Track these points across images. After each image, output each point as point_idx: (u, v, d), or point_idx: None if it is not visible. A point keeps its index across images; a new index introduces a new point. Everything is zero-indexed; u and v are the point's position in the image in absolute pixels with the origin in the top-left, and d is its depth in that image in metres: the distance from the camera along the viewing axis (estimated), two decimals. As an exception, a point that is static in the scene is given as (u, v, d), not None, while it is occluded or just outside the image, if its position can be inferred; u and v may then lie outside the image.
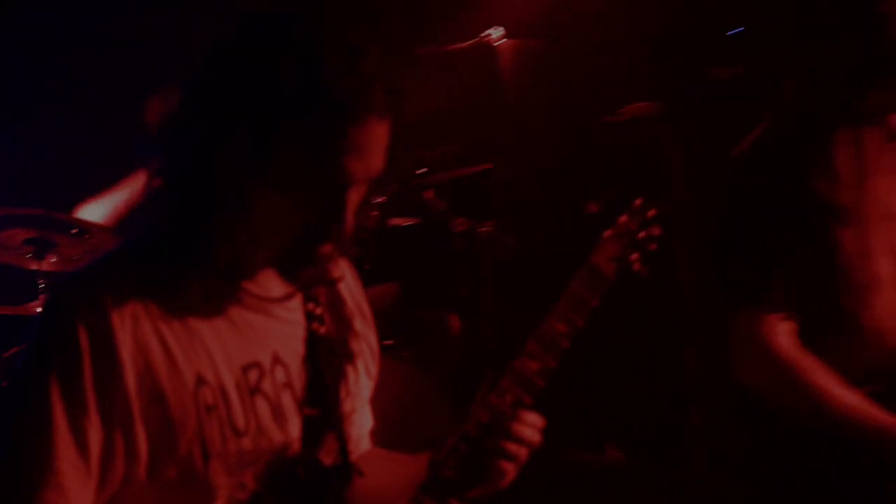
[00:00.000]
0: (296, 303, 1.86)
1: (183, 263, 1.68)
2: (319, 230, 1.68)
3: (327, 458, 1.84)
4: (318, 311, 1.89)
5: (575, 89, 5.55)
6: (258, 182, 1.62)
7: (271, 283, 1.81)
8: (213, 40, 1.70)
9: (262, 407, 1.74)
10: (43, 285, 4.14)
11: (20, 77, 4.86)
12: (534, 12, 5.35)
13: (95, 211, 4.58)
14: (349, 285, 2.01)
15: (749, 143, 2.76)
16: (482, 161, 4.97)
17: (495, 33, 4.93)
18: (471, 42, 4.85)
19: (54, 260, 4.14)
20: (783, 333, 2.59)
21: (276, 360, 1.78)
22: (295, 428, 1.79)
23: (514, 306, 5.02)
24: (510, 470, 1.90)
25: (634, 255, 2.14)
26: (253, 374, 1.73)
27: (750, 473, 2.78)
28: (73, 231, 4.13)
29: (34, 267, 4.14)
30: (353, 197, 1.67)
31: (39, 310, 4.01)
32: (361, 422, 1.99)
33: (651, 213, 2.18)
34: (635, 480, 4.67)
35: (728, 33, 5.18)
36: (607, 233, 2.13)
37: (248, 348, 1.74)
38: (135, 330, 1.61)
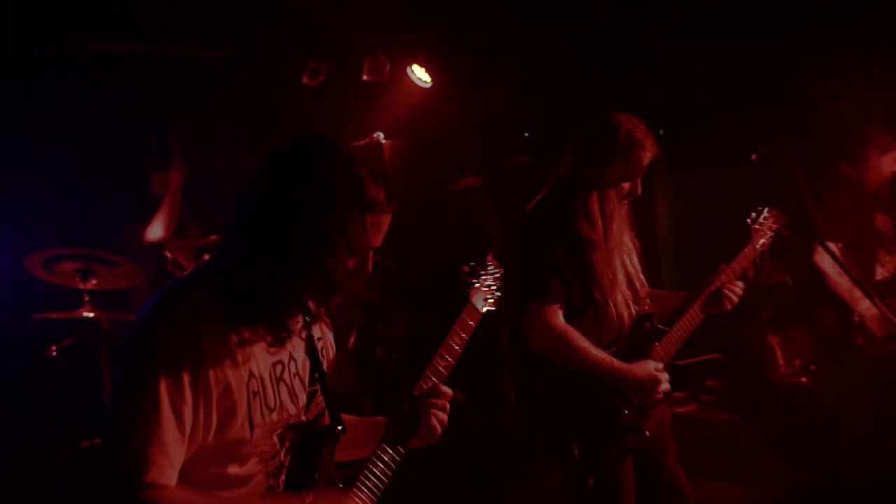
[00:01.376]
0: (299, 322, 1.91)
1: (252, 300, 1.76)
2: (353, 277, 1.83)
3: (321, 421, 1.96)
4: (311, 327, 1.95)
5: (426, 168, 5.93)
6: (327, 252, 1.74)
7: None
8: (288, 154, 1.81)
9: (283, 391, 1.84)
10: (87, 299, 4.35)
11: (69, 149, 4.92)
12: (402, 121, 5.86)
13: (157, 228, 4.71)
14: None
15: (537, 202, 2.98)
16: None
17: (379, 135, 5.46)
18: (365, 140, 5.31)
19: (95, 282, 4.38)
20: (558, 316, 2.82)
21: (291, 357, 1.88)
22: (302, 401, 1.90)
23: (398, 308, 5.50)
24: (436, 426, 2.00)
25: (492, 300, 2.25)
26: (278, 368, 1.84)
27: (540, 405, 2.94)
28: (108, 263, 4.40)
29: (81, 286, 4.34)
30: (371, 256, 1.86)
31: (86, 314, 4.33)
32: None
33: (500, 271, 2.31)
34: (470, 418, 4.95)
35: (525, 135, 5.91)
36: (476, 285, 2.23)
37: (276, 351, 1.84)
38: (214, 337, 1.70)
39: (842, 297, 3.87)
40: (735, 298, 2.98)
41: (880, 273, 3.99)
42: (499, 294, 2.25)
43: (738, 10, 4.92)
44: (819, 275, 3.91)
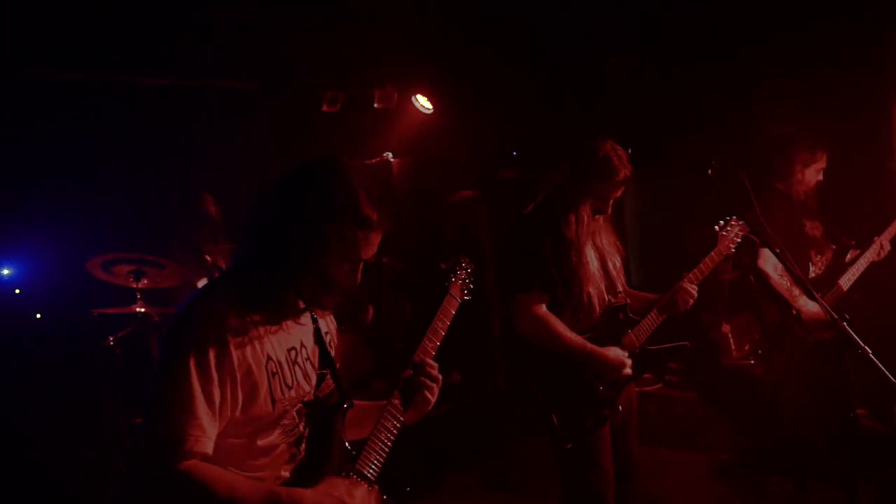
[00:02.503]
0: (307, 312, 1.92)
1: (264, 298, 1.78)
2: (345, 283, 1.81)
3: (332, 398, 1.94)
4: (315, 315, 1.95)
5: (428, 183, 6.05)
6: (326, 259, 1.75)
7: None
8: (297, 174, 1.81)
9: (298, 372, 1.86)
10: (139, 296, 4.33)
11: (124, 168, 4.98)
12: (407, 142, 5.86)
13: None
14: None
15: (529, 209, 3.01)
16: None
17: (388, 154, 5.51)
18: (377, 159, 5.34)
19: (145, 282, 4.37)
20: (541, 305, 2.86)
21: (302, 344, 1.90)
22: (314, 382, 1.90)
23: (404, 302, 5.58)
24: (429, 398, 1.98)
25: (468, 291, 2.26)
26: (292, 353, 1.85)
27: (525, 383, 2.92)
28: (157, 265, 4.38)
29: (133, 286, 4.35)
30: (361, 267, 1.85)
31: (138, 309, 4.32)
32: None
33: (471, 267, 2.32)
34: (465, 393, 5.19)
35: (512, 154, 5.88)
36: (454, 279, 2.24)
37: (289, 339, 1.86)
38: (235, 329, 1.71)
39: (782, 295, 3.89)
40: (689, 299, 2.99)
41: (813, 272, 4.00)
42: (472, 286, 2.28)
43: (692, 47, 4.96)
44: (762, 276, 3.90)
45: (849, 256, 3.94)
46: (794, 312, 3.84)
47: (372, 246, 1.82)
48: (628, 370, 2.90)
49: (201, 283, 4.51)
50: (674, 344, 3.01)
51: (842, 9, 4.43)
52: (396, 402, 1.96)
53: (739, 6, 4.62)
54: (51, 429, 4.18)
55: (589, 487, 2.85)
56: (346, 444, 1.89)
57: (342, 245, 1.74)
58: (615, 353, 2.88)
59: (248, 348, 1.73)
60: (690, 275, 3.00)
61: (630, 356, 2.92)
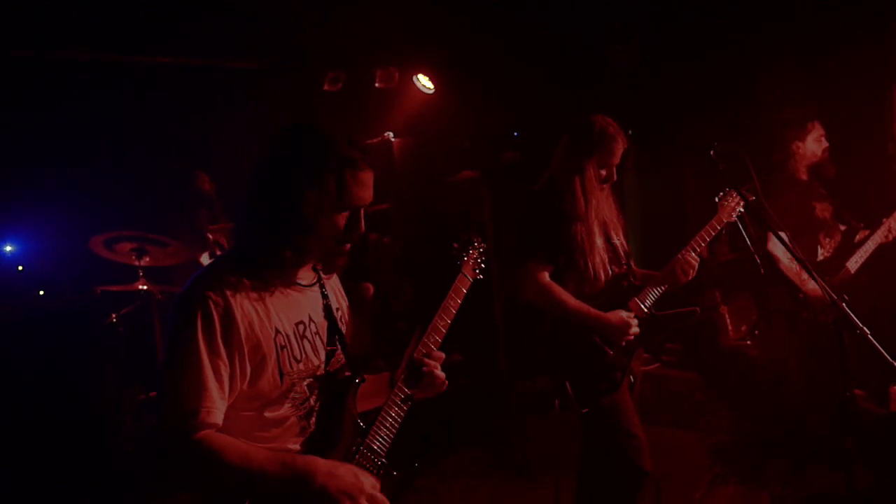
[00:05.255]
0: (316, 286, 1.92)
1: (265, 264, 1.78)
2: (348, 234, 1.80)
3: (341, 373, 1.93)
4: (326, 290, 1.95)
5: (431, 163, 5.99)
6: (317, 213, 1.73)
7: (306, 274, 1.91)
8: (278, 138, 1.79)
9: (307, 345, 1.85)
10: (142, 274, 4.31)
11: (127, 147, 4.92)
12: (408, 122, 5.82)
13: None
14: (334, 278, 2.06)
15: (538, 185, 3.05)
16: (383, 202, 5.39)
17: (389, 134, 5.41)
18: (378, 138, 5.25)
19: (147, 259, 4.35)
20: (546, 274, 2.91)
21: (311, 318, 1.88)
22: (322, 356, 1.89)
23: (405, 281, 5.53)
24: (434, 381, 1.96)
25: (479, 270, 2.24)
26: (300, 327, 1.84)
27: (536, 356, 3.01)
28: (159, 243, 4.37)
29: (136, 263, 4.32)
30: (361, 213, 1.82)
31: (141, 287, 4.29)
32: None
33: (483, 247, 2.29)
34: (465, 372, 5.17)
35: (514, 134, 5.86)
36: (466, 258, 2.21)
37: (297, 312, 1.84)
38: (241, 304, 1.71)
39: (791, 279, 3.84)
40: (690, 270, 2.97)
41: (821, 254, 3.95)
42: (484, 265, 2.27)
43: (694, 32, 4.91)
44: (772, 260, 3.84)
45: (858, 237, 3.89)
46: (802, 296, 3.80)
47: (366, 187, 1.78)
48: (635, 329, 2.90)
49: (204, 260, 4.46)
50: (684, 309, 2.98)
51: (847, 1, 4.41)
52: (404, 378, 1.95)
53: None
54: (54, 405, 4.14)
55: (621, 455, 2.84)
56: (357, 418, 1.88)
57: (334, 193, 1.72)
58: (619, 316, 2.89)
59: (256, 322, 1.73)
60: (691, 244, 3.01)
61: (638, 321, 2.93)
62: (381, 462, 1.87)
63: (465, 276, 2.17)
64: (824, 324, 3.71)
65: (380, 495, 1.78)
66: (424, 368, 1.95)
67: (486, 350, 5.35)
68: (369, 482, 1.77)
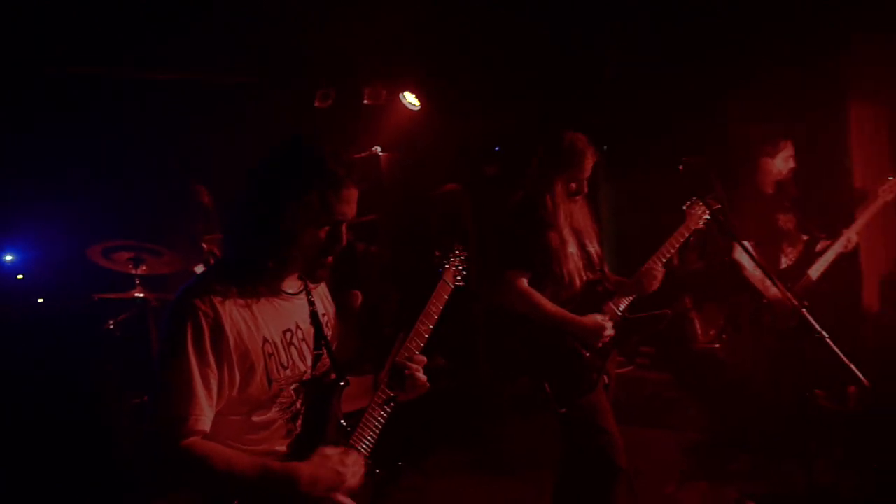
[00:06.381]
0: (303, 294, 1.91)
1: (251, 275, 1.77)
2: (329, 247, 1.80)
3: (326, 377, 1.92)
4: (312, 297, 1.94)
5: (415, 176, 5.99)
6: (300, 226, 1.73)
7: (293, 283, 1.89)
8: (268, 154, 1.78)
9: (293, 352, 1.84)
10: (138, 282, 4.31)
11: (124, 159, 4.89)
12: (395, 137, 5.77)
13: None
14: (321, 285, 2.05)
15: (515, 198, 3.08)
16: (371, 214, 5.28)
17: (377, 149, 5.35)
18: (366, 152, 5.21)
19: (144, 268, 4.37)
20: (524, 280, 2.94)
21: (297, 326, 1.87)
22: (309, 361, 1.88)
23: (391, 289, 5.46)
24: (416, 383, 1.97)
25: (460, 277, 2.26)
26: (288, 335, 1.84)
27: (515, 359, 3.02)
28: (155, 253, 4.38)
29: (133, 272, 4.33)
30: (343, 228, 1.81)
31: (137, 294, 4.29)
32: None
33: (464, 255, 2.31)
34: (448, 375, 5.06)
35: (495, 149, 5.94)
36: (448, 266, 2.24)
37: (284, 321, 1.84)
38: (230, 314, 1.71)
39: (755, 286, 3.91)
40: (654, 281, 3.00)
41: (784, 263, 4.03)
42: (465, 273, 2.27)
43: (669, 51, 5.01)
44: (737, 267, 3.92)
45: (819, 247, 3.98)
46: (765, 301, 3.87)
47: (348, 203, 1.78)
48: (609, 332, 2.93)
49: (199, 269, 4.46)
50: (655, 313, 3.02)
51: (806, 20, 4.50)
52: (387, 381, 1.97)
53: (711, 14, 4.69)
54: (52, 410, 4.14)
55: (598, 453, 2.87)
56: (342, 420, 1.90)
57: (317, 208, 1.72)
58: (594, 319, 2.91)
59: (245, 331, 1.73)
60: (658, 253, 3.04)
61: (612, 323, 2.96)
62: (366, 462, 1.88)
63: (447, 282, 2.18)
64: (787, 328, 3.77)
65: (359, 478, 1.81)
66: (406, 371, 1.96)
67: (469, 353, 5.35)
68: (350, 470, 1.79)
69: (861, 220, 3.89)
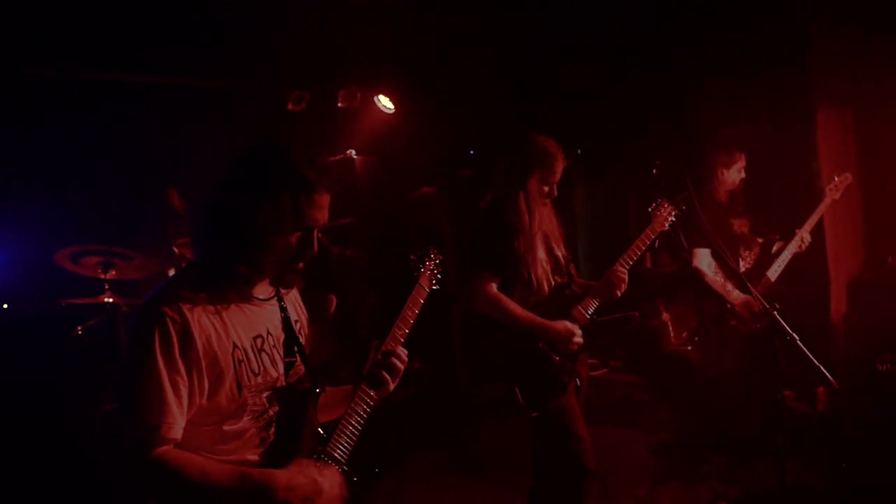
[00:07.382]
0: (274, 300, 1.88)
1: (221, 280, 1.75)
2: (300, 253, 1.76)
3: (301, 384, 1.90)
4: (284, 303, 1.91)
5: (391, 180, 5.99)
6: (271, 231, 1.70)
7: (264, 289, 1.86)
8: (240, 157, 1.74)
9: (265, 358, 1.81)
10: (108, 287, 4.29)
11: (93, 162, 4.80)
12: (371, 141, 5.82)
13: None
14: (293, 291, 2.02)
15: (485, 202, 3.06)
16: (347, 217, 5.38)
17: (351, 152, 5.47)
18: (340, 156, 5.29)
19: (113, 273, 4.32)
20: (493, 285, 2.91)
21: (268, 332, 1.84)
22: (280, 368, 1.85)
23: (368, 292, 5.49)
24: (393, 380, 1.93)
25: (436, 281, 2.23)
26: (258, 341, 1.81)
27: (487, 363, 3.00)
28: (125, 257, 4.34)
29: (102, 276, 4.30)
30: (315, 234, 1.77)
31: (107, 299, 4.24)
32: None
33: (439, 258, 2.28)
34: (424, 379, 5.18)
35: (470, 153, 5.88)
36: (423, 270, 2.21)
37: (254, 327, 1.81)
38: (199, 320, 1.67)
39: (717, 291, 3.94)
40: (621, 283, 2.98)
41: (742, 266, 4.07)
42: (440, 276, 2.25)
43: (640, 57, 5.03)
44: (698, 275, 3.95)
45: (774, 249, 4.01)
46: (729, 306, 3.89)
47: (320, 209, 1.74)
48: (578, 339, 2.92)
49: (171, 273, 4.40)
50: (622, 314, 3.01)
51: (774, 26, 4.54)
52: (365, 386, 1.92)
53: (684, 19, 4.71)
54: (19, 418, 4.02)
55: (569, 455, 2.86)
56: (318, 428, 1.85)
57: (289, 213, 1.68)
58: (563, 325, 2.90)
59: (214, 337, 1.70)
60: (624, 257, 3.02)
61: (581, 327, 2.95)
62: (343, 469, 1.84)
63: (422, 286, 2.16)
64: (754, 330, 3.79)
65: (337, 489, 1.77)
66: (392, 359, 1.92)
67: (445, 357, 5.33)
68: (328, 482, 1.75)
69: (812, 219, 3.92)
